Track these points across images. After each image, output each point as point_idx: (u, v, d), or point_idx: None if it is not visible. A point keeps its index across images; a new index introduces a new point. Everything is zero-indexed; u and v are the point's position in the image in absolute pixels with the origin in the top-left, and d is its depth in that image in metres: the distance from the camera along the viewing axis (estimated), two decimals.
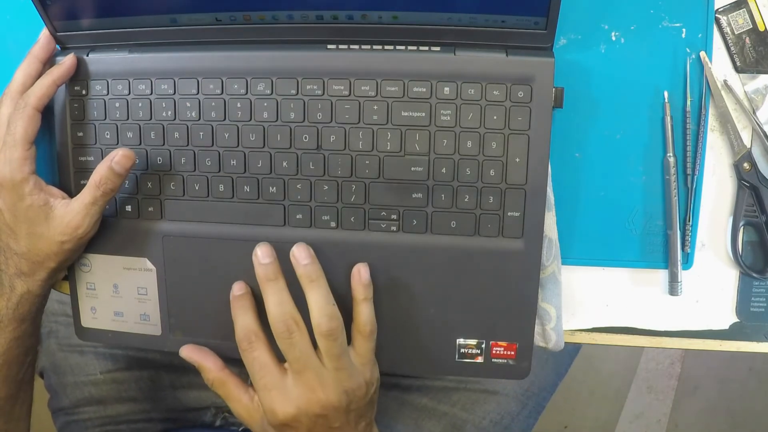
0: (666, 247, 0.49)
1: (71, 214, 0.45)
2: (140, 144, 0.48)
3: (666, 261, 0.50)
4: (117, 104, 0.48)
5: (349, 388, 0.45)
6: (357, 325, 0.46)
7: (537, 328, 0.50)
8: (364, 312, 0.46)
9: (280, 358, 0.45)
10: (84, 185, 0.46)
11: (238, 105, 0.47)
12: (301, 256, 0.45)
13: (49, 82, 0.46)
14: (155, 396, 0.63)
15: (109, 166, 0.45)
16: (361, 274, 0.46)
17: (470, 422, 0.61)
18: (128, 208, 0.49)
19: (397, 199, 0.46)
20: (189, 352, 0.48)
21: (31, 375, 0.52)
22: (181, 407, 0.64)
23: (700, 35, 0.47)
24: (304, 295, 0.44)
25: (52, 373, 0.64)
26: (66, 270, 0.51)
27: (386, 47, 0.46)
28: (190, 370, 0.63)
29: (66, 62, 0.46)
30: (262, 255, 0.45)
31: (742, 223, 0.49)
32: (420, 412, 0.61)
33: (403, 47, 0.45)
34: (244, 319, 0.46)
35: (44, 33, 0.47)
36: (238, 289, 0.47)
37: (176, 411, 0.64)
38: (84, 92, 0.48)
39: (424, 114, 0.45)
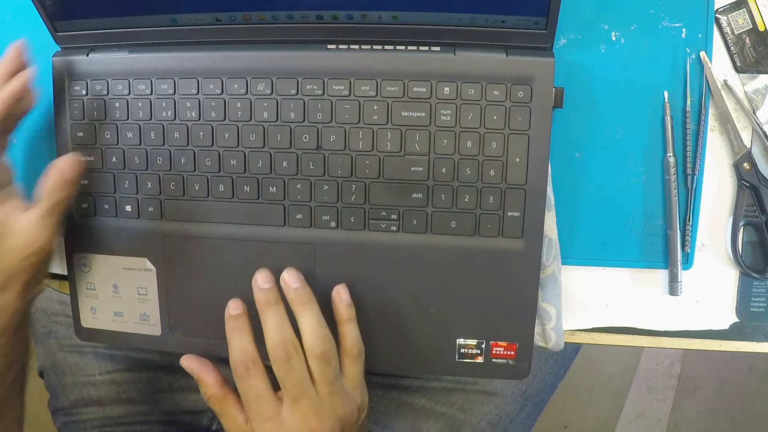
0: (666, 247, 0.49)
1: (27, 229, 0.44)
2: (140, 144, 0.48)
3: (666, 261, 0.50)
4: (117, 104, 0.48)
5: (343, 416, 0.44)
6: (344, 347, 0.45)
7: (537, 328, 0.50)
8: (350, 333, 0.45)
9: (273, 385, 0.45)
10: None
11: (238, 105, 0.47)
12: (291, 280, 0.45)
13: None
14: (154, 398, 0.63)
15: (56, 173, 0.43)
16: (341, 295, 0.46)
17: (468, 423, 0.61)
18: (128, 208, 0.49)
19: (397, 199, 0.46)
20: (190, 363, 0.47)
21: (19, 386, 0.50)
22: (179, 410, 0.64)
23: (700, 35, 0.47)
24: (296, 319, 0.44)
25: (52, 373, 0.64)
26: (42, 281, 0.49)
27: (386, 47, 0.46)
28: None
29: (17, 80, 0.45)
30: (262, 280, 0.44)
31: (742, 223, 0.49)
32: (418, 413, 0.61)
33: (403, 47, 0.45)
34: (241, 342, 0.44)
35: (12, 48, 0.46)
36: (234, 308, 0.45)
37: (173, 414, 0.64)
38: (84, 92, 0.48)
39: (424, 114, 0.45)
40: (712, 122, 0.49)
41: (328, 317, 0.45)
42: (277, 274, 0.45)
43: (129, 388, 0.62)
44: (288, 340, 0.43)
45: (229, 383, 0.47)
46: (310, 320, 0.44)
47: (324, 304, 0.47)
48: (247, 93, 0.46)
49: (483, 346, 0.48)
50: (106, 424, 0.62)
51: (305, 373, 0.43)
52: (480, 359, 0.48)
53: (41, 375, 0.66)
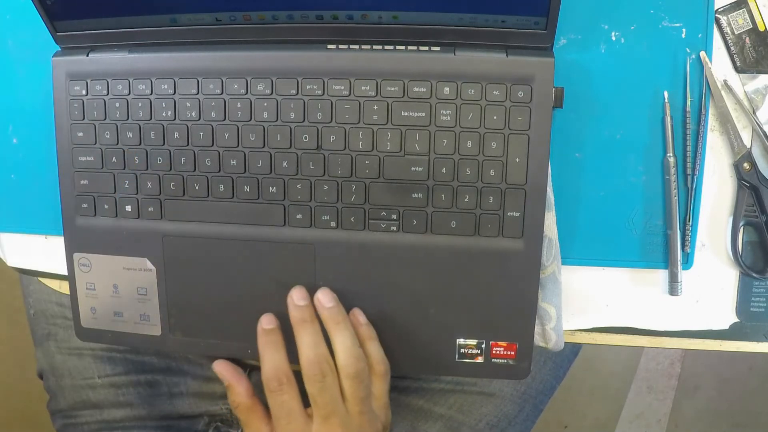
0: (666, 247, 0.49)
1: None
2: (140, 144, 0.48)
3: (666, 261, 0.50)
4: (117, 104, 0.48)
5: None
6: (370, 366, 0.46)
7: (537, 328, 0.50)
8: (374, 351, 0.46)
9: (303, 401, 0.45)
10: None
11: (238, 105, 0.47)
12: (325, 299, 0.46)
13: None
14: (151, 402, 0.63)
15: None
16: (357, 317, 0.47)
17: (466, 425, 0.60)
18: (128, 208, 0.49)
19: (397, 199, 0.46)
20: (223, 369, 0.47)
21: None
22: (176, 414, 0.64)
23: (700, 35, 0.47)
24: (330, 338, 0.45)
25: (51, 376, 0.64)
26: None
27: (386, 47, 0.46)
28: (187, 374, 0.63)
29: None
30: (298, 297, 0.45)
31: (742, 223, 0.49)
32: (416, 414, 0.61)
33: (403, 47, 0.45)
34: (275, 358, 0.45)
35: None
36: (267, 322, 0.46)
37: (170, 418, 0.64)
38: (84, 92, 0.48)
39: (424, 114, 0.45)
40: (712, 122, 0.49)
41: None
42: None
43: (127, 392, 0.62)
44: (323, 358, 0.44)
45: (258, 394, 0.47)
46: (344, 339, 0.44)
47: None
48: (247, 93, 0.46)
49: (483, 346, 0.48)
50: (104, 428, 0.62)
51: (337, 392, 0.44)
52: (480, 359, 0.48)
53: (41, 377, 0.66)
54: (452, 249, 0.47)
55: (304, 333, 0.44)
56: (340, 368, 0.44)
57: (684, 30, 0.47)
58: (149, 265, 0.50)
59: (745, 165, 0.48)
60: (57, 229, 0.52)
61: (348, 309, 0.47)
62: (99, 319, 0.51)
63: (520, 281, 0.47)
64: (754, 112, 0.48)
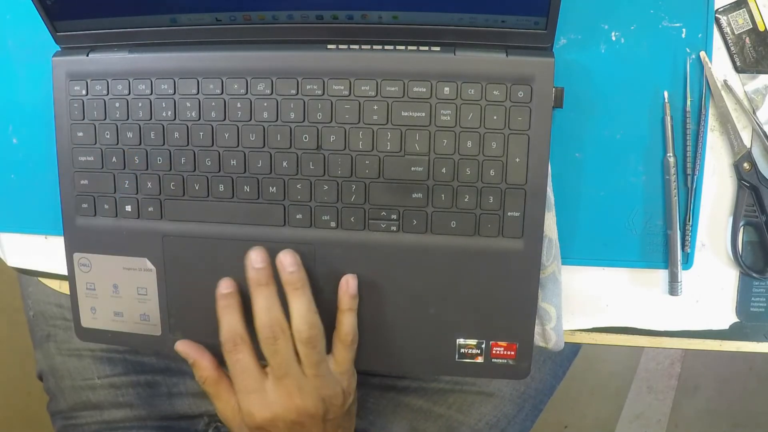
0: (666, 247, 0.49)
1: None
2: (140, 144, 0.48)
3: (666, 261, 0.50)
4: (117, 104, 0.48)
5: (326, 396, 0.46)
6: (339, 333, 0.46)
7: (537, 328, 0.50)
8: (347, 321, 0.46)
9: (261, 360, 0.46)
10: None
11: (238, 105, 0.47)
12: (287, 262, 0.45)
13: None
14: (151, 402, 0.63)
15: None
16: (349, 284, 0.47)
17: (466, 424, 0.61)
18: (128, 208, 0.49)
19: (397, 199, 0.46)
20: (185, 347, 0.49)
21: None
22: (175, 414, 0.64)
23: (700, 35, 0.47)
24: (287, 301, 0.45)
25: (51, 377, 0.64)
26: None
27: (386, 47, 0.46)
28: (186, 374, 0.63)
29: None
30: (256, 259, 0.45)
31: (742, 223, 0.49)
32: (415, 414, 0.61)
33: (403, 47, 0.45)
34: (230, 320, 0.46)
35: None
36: (225, 286, 0.47)
37: (170, 419, 0.64)
38: (84, 92, 0.48)
39: (424, 114, 0.45)
40: (712, 122, 0.49)
41: (330, 307, 0.46)
42: (274, 254, 0.46)
43: (127, 392, 0.62)
44: (275, 322, 0.44)
45: (225, 368, 0.48)
46: (300, 305, 0.45)
47: (324, 302, 0.47)
48: (247, 93, 0.46)
49: (483, 346, 0.48)
50: (104, 429, 0.62)
51: (291, 354, 0.45)
52: (480, 359, 0.48)
53: (40, 378, 0.66)
54: (452, 249, 0.47)
55: (259, 296, 0.45)
56: (295, 333, 0.45)
57: (684, 30, 0.47)
58: (149, 265, 0.50)
59: (745, 165, 0.48)
60: (57, 229, 0.52)
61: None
62: (99, 319, 0.51)
63: (520, 281, 0.47)
64: (754, 112, 0.48)
